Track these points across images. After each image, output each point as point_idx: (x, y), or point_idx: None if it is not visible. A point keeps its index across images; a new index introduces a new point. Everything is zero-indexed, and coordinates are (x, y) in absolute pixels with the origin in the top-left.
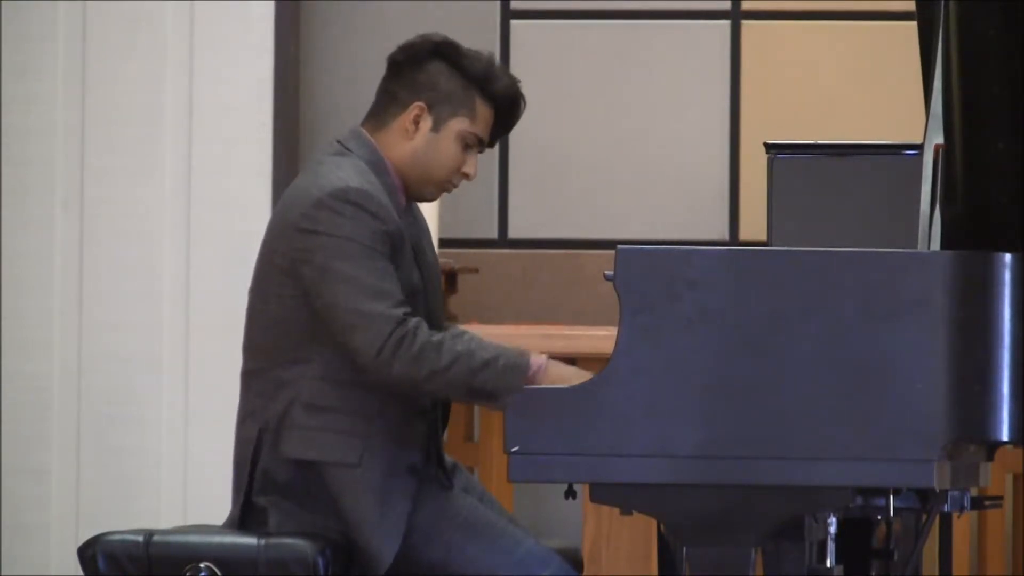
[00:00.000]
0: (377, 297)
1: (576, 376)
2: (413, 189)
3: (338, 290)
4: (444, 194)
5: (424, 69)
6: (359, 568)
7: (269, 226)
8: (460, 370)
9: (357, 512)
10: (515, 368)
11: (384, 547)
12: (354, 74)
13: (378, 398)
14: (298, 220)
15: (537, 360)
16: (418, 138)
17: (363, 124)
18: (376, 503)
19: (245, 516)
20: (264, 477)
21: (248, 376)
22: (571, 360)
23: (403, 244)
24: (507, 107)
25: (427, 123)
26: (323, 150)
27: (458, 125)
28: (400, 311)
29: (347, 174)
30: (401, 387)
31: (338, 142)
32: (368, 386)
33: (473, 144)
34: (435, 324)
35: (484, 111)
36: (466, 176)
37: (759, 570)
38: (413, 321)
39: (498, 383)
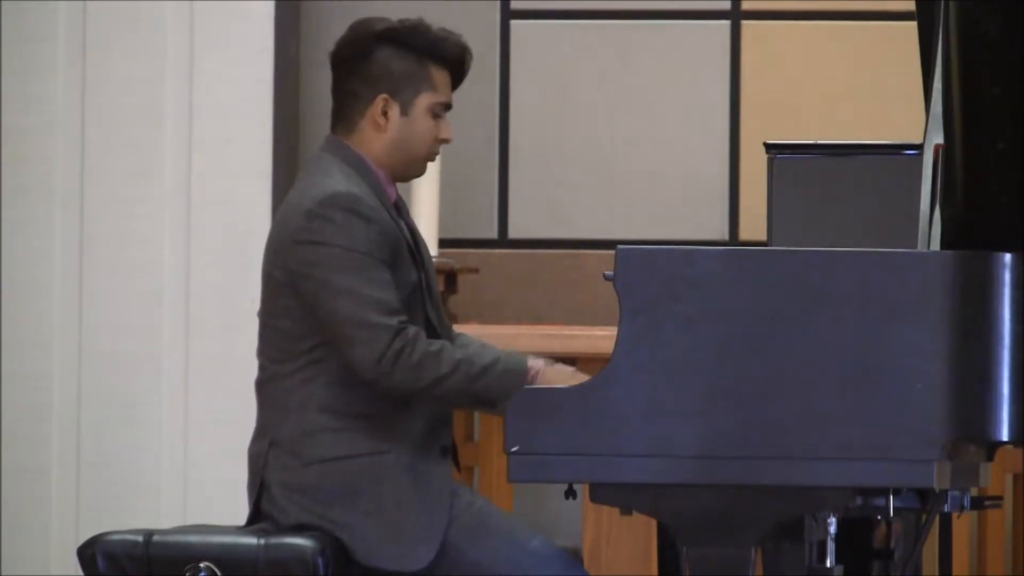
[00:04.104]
0: (374, 308)
1: (573, 378)
2: (400, 173)
3: (337, 303)
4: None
5: (373, 59)
6: (388, 562)
7: (267, 245)
8: (460, 377)
9: (396, 495)
10: (513, 372)
11: (431, 528)
12: None
13: (395, 397)
14: (293, 233)
15: (535, 364)
16: (391, 128)
17: (333, 131)
18: (414, 484)
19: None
20: (279, 487)
21: (262, 387)
22: (571, 360)
23: (400, 244)
24: (459, 64)
25: (395, 111)
26: (307, 164)
27: (425, 101)
28: (396, 320)
29: (335, 180)
30: (403, 396)
31: (316, 156)
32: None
33: (442, 111)
34: (438, 322)
35: (442, 77)
36: (445, 141)
37: (759, 570)
38: (412, 330)
39: (498, 388)
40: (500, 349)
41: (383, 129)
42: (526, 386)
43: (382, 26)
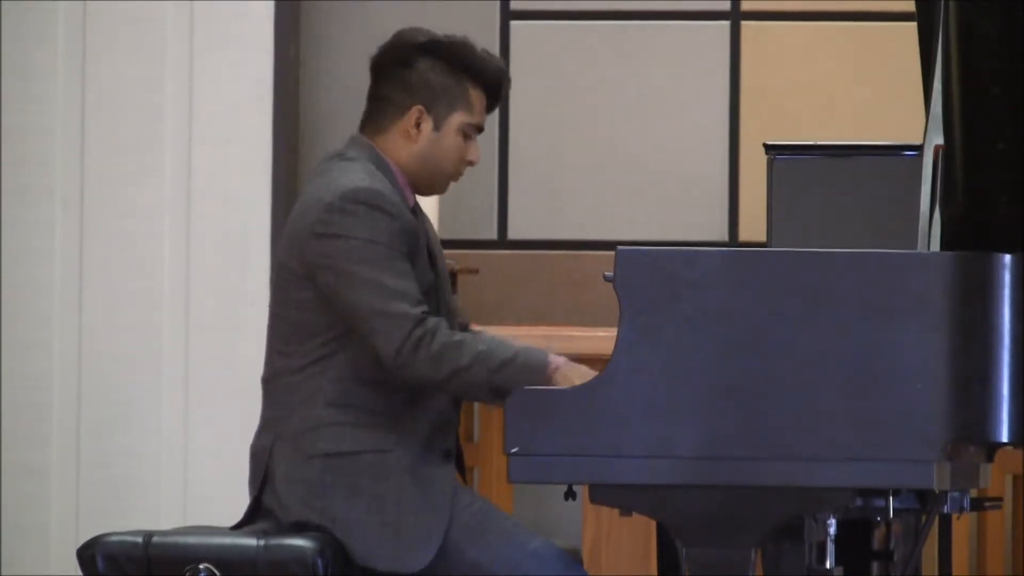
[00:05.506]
0: (397, 298)
1: (591, 377)
2: (423, 186)
3: (359, 294)
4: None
5: (414, 69)
6: (386, 562)
7: (283, 238)
8: (480, 369)
9: (397, 495)
10: (534, 367)
11: (431, 530)
12: (354, 74)
13: (404, 394)
14: (312, 226)
15: (555, 359)
16: (421, 140)
17: (361, 130)
18: (415, 485)
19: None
20: (282, 480)
21: (269, 382)
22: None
23: (419, 242)
24: (497, 88)
25: (428, 124)
26: (326, 160)
27: (458, 119)
28: (419, 310)
29: (357, 176)
30: (423, 385)
31: (338, 153)
32: (393, 383)
33: (473, 133)
34: (451, 323)
35: (478, 98)
36: (471, 163)
37: (759, 570)
38: (433, 321)
39: (517, 382)
40: (521, 344)
41: (413, 140)
42: (544, 383)
43: (425, 38)
